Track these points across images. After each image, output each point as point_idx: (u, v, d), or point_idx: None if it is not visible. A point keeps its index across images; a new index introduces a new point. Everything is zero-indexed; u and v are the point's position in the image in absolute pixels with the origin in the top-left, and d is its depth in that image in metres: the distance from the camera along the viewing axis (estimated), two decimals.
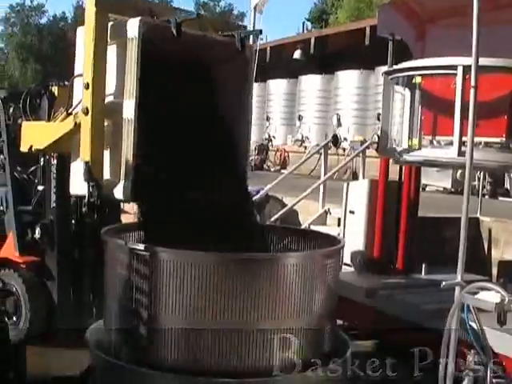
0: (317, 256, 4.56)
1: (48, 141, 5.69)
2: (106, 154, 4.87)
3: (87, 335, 4.63)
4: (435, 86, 6.53)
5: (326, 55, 25.91)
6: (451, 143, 5.96)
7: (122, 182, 4.69)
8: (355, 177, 15.79)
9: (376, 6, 28.10)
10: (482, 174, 11.02)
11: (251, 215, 5.35)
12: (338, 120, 23.80)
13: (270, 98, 27.97)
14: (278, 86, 27.75)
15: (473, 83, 4.61)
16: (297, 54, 26.22)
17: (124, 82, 4.69)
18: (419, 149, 6.49)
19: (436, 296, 5.88)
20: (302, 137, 25.44)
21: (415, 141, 6.57)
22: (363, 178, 11.03)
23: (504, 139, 6.19)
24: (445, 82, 6.19)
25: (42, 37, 57.93)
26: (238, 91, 5.25)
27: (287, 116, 27.50)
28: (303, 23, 48.51)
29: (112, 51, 4.78)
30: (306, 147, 23.45)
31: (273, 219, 10.25)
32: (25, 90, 6.66)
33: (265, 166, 24.76)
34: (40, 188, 7.11)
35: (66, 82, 6.12)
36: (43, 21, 60.42)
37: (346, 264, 7.75)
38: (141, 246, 4.29)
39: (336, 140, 20.30)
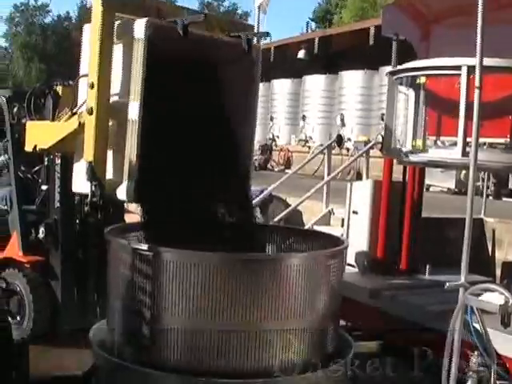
0: (320, 257, 4.55)
1: (52, 140, 5.68)
2: (110, 153, 4.86)
3: (90, 335, 4.63)
4: (439, 87, 6.52)
5: (330, 55, 25.91)
6: (455, 144, 5.95)
7: (125, 183, 4.68)
8: (359, 177, 15.77)
9: (380, 6, 28.08)
10: (486, 174, 11.01)
11: (251, 216, 5.34)
12: (342, 120, 23.79)
13: (274, 98, 27.97)
14: (281, 86, 27.75)
15: (477, 84, 4.60)
16: (301, 54, 26.21)
17: (129, 82, 4.67)
18: (423, 149, 6.48)
19: (440, 297, 5.87)
20: (306, 137, 25.43)
21: (419, 141, 6.56)
22: (367, 178, 11.02)
23: (508, 140, 6.19)
24: (449, 82, 6.19)
25: (47, 36, 58.02)
26: (244, 92, 5.24)
27: (291, 116, 27.50)
28: (307, 23, 48.65)
29: (118, 50, 4.76)
30: (309, 147, 23.45)
31: (276, 219, 10.25)
32: (29, 89, 6.65)
33: (268, 165, 24.77)
34: (44, 187, 7.11)
35: (71, 82, 6.11)
36: (47, 20, 60.64)
37: (349, 264, 7.74)
38: (144, 246, 4.28)
39: (340, 140, 20.30)
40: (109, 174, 4.83)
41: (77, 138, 5.13)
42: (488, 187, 12.18)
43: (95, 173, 4.73)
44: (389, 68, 7.09)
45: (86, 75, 4.92)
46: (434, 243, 7.82)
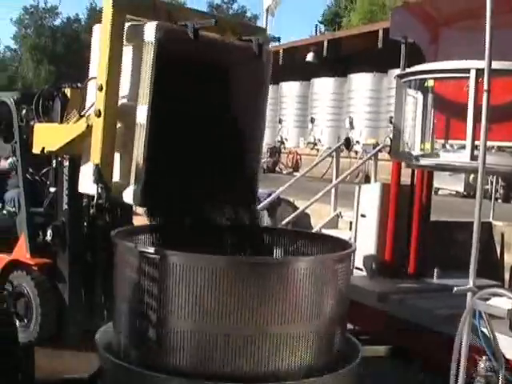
0: (327, 260, 4.53)
1: (60, 143, 5.68)
2: (117, 156, 4.86)
3: (97, 337, 4.62)
4: (448, 90, 6.51)
5: (339, 58, 25.88)
6: (464, 147, 5.93)
7: (132, 186, 4.68)
8: (368, 180, 15.74)
9: (389, 8, 28.03)
10: (494, 178, 10.96)
11: (256, 219, 5.33)
12: (351, 123, 23.76)
13: (283, 101, 27.96)
14: (290, 89, 27.74)
15: (486, 87, 4.58)
16: (310, 57, 26.19)
17: (138, 85, 4.67)
18: (432, 152, 6.46)
19: (448, 301, 5.85)
20: (315, 139, 25.41)
21: (428, 144, 6.55)
22: (375, 181, 11.00)
23: None
24: (457, 85, 6.17)
25: (56, 38, 58.12)
26: (253, 95, 5.23)
27: (300, 118, 27.48)
28: (316, 26, 48.52)
29: (128, 53, 4.76)
30: (318, 150, 23.44)
31: (284, 222, 10.23)
32: (38, 91, 6.65)
33: (277, 168, 24.77)
34: (52, 190, 7.11)
35: (79, 84, 6.11)
36: (57, 22, 60.70)
37: (357, 268, 7.73)
38: (151, 249, 4.27)
39: (348, 143, 20.27)
40: (116, 177, 4.82)
41: (84, 141, 5.13)
42: (497, 190, 12.14)
43: (102, 175, 4.72)
44: (398, 71, 7.08)
45: (94, 78, 4.92)
46: (442, 247, 7.80)
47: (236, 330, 4.05)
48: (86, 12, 59.88)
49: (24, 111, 6.93)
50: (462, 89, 5.91)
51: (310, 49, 26.50)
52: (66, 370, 5.78)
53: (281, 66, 24.44)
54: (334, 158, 11.89)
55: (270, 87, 5.51)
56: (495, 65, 4.70)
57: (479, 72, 5.43)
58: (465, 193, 15.64)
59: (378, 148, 12.77)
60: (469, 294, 4.46)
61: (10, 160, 7.85)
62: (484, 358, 4.57)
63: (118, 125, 4.83)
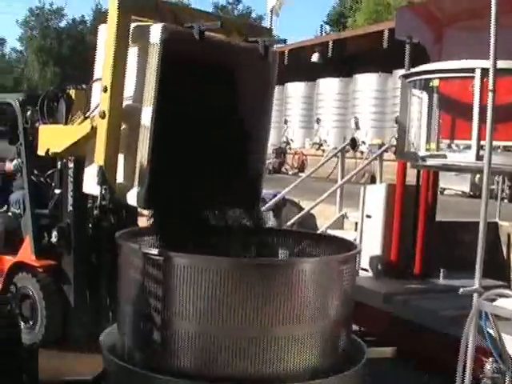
0: (332, 261, 4.51)
1: (65, 144, 5.67)
2: (121, 157, 4.85)
3: (101, 339, 4.61)
4: (453, 89, 6.49)
5: (344, 58, 25.83)
6: (469, 147, 5.91)
7: (135, 188, 4.67)
8: (373, 180, 15.71)
9: (394, 9, 27.97)
10: (500, 178, 10.94)
11: (260, 220, 5.32)
12: (356, 123, 23.71)
13: (288, 101, 27.92)
14: (295, 89, 27.70)
15: (491, 86, 4.55)
16: (315, 57, 26.13)
17: (143, 86, 4.66)
18: (437, 153, 6.44)
19: (454, 302, 5.83)
20: (320, 140, 25.35)
21: (433, 145, 6.52)
22: (380, 181, 10.97)
23: None
24: (462, 85, 6.15)
25: (61, 40, 58.21)
26: (259, 97, 5.21)
27: (305, 119, 27.42)
28: (321, 26, 48.55)
29: (133, 54, 4.75)
30: (323, 150, 23.39)
31: (289, 223, 10.21)
32: (43, 93, 6.64)
33: (283, 169, 24.73)
34: (57, 191, 7.09)
35: (84, 85, 6.10)
36: (62, 24, 60.80)
37: (363, 269, 7.72)
38: (155, 251, 4.26)
39: (354, 143, 20.23)
40: (120, 178, 4.82)
41: (89, 142, 5.12)
42: (503, 190, 12.10)
43: (105, 177, 4.72)
44: (403, 71, 7.06)
45: (99, 79, 4.91)
46: (448, 247, 7.79)
47: (241, 332, 4.04)
48: (92, 14, 60.05)
49: (29, 113, 6.91)
50: (467, 89, 5.89)
51: (315, 49, 26.44)
52: (70, 371, 5.78)
53: (286, 66, 24.41)
54: (340, 159, 11.86)
55: (276, 88, 5.50)
56: (500, 64, 4.68)
57: (484, 72, 5.40)
58: (471, 193, 15.60)
59: (383, 148, 12.73)
60: (475, 295, 4.44)
61: (15, 162, 7.83)
62: (490, 359, 4.55)
63: (123, 126, 4.82)
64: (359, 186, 9.24)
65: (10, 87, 51.84)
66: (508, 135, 6.08)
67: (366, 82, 24.05)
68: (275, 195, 10.93)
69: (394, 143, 9.92)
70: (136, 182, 4.71)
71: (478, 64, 5.64)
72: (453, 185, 15.80)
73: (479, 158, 5.68)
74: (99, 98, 4.86)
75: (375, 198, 8.06)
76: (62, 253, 6.83)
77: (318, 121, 25.96)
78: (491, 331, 4.46)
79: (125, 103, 4.80)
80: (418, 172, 7.59)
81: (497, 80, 4.58)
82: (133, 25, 4.74)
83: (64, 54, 56.94)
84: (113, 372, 4.41)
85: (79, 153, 5.62)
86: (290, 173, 23.67)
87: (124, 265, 4.48)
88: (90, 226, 6.67)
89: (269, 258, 5.02)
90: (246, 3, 65.78)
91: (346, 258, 4.52)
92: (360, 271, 7.69)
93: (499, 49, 4.49)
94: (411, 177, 7.76)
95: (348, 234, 9.03)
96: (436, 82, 6.45)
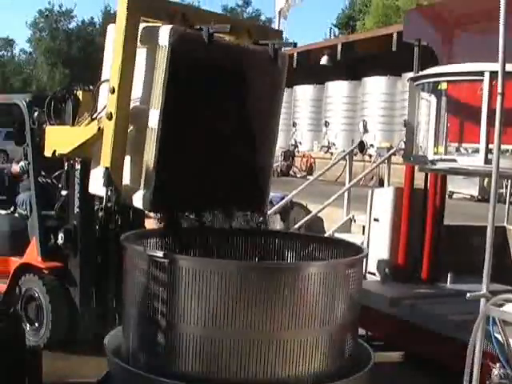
0: (339, 265, 4.49)
1: (72, 146, 5.66)
2: (128, 159, 4.84)
3: (106, 342, 4.59)
4: (461, 93, 6.45)
5: (353, 61, 25.81)
6: (477, 151, 5.87)
7: (141, 191, 4.65)
8: (382, 183, 15.68)
9: (403, 12, 27.92)
10: (509, 181, 10.87)
11: (265, 223, 5.30)
12: (365, 126, 23.69)
13: (297, 104, 27.93)
14: (304, 92, 27.70)
15: (499, 89, 4.51)
16: (324, 60, 26.12)
17: (151, 88, 4.65)
18: (446, 156, 6.40)
19: (462, 306, 5.78)
20: (329, 143, 25.37)
21: (441, 148, 6.48)
22: (388, 185, 10.94)
23: None
24: (471, 88, 6.11)
25: (71, 42, 58.36)
26: (268, 100, 5.20)
27: (314, 122, 27.43)
28: (330, 29, 48.55)
29: (141, 55, 4.73)
30: (332, 153, 23.38)
31: (297, 226, 10.18)
32: (50, 94, 6.63)
33: (291, 172, 24.72)
34: (64, 193, 7.06)
35: (91, 87, 6.09)
36: (72, 26, 60.97)
37: (370, 273, 7.68)
38: (160, 253, 4.24)
39: (362, 146, 20.21)
40: (126, 180, 4.80)
41: (96, 143, 5.11)
42: (511, 194, 12.02)
43: (111, 178, 4.70)
44: (412, 74, 7.02)
45: (107, 80, 4.90)
46: (456, 251, 7.74)
47: (246, 336, 4.02)
48: (101, 15, 60.12)
49: (36, 114, 6.89)
50: (475, 92, 5.85)
51: (323, 52, 26.43)
52: (75, 374, 5.78)
53: (295, 69, 24.41)
54: (348, 162, 11.83)
55: (284, 90, 5.47)
56: (509, 67, 4.63)
57: (493, 74, 5.37)
58: (479, 197, 15.55)
59: (390, 152, 12.70)
60: (482, 300, 4.39)
61: (21, 163, 7.82)
62: (498, 365, 4.50)
63: (130, 128, 4.81)
64: (367, 189, 9.21)
65: (19, 88, 52.02)
66: None
67: (375, 85, 24.05)
68: (283, 198, 10.91)
69: (403, 146, 9.88)
70: (142, 184, 4.70)
71: (487, 67, 5.59)
72: (461, 188, 15.76)
73: (487, 161, 5.64)
74: (106, 100, 4.84)
75: (383, 201, 8.02)
76: (69, 255, 6.80)
77: (326, 124, 25.96)
78: (499, 336, 4.42)
79: (132, 105, 4.79)
80: (426, 175, 7.55)
81: (506, 83, 4.54)
82: (141, 26, 4.73)
83: (73, 55, 57.10)
84: (117, 375, 4.39)
85: (86, 154, 5.60)
86: (299, 176, 23.67)
87: (129, 267, 4.46)
88: (97, 227, 6.66)
89: (275, 262, 5.00)
90: (256, 6, 65.88)
91: (352, 262, 4.49)
92: (367, 275, 7.66)
93: (508, 51, 4.45)
94: (419, 180, 7.73)
95: (355, 237, 8.98)
96: (444, 85, 6.41)
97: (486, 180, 14.20)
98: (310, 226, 10.50)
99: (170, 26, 4.57)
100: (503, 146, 4.93)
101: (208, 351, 4.01)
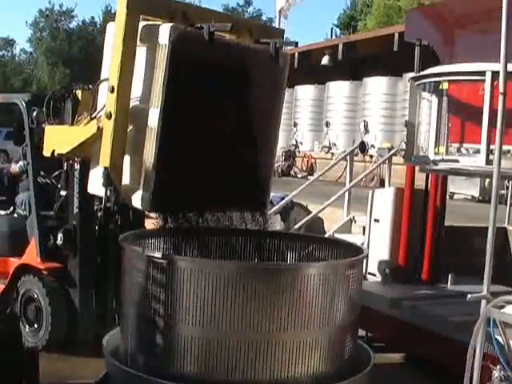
0: (338, 266, 4.46)
1: (71, 145, 5.63)
2: (127, 159, 4.81)
3: (104, 343, 4.56)
4: (463, 93, 6.43)
5: (354, 61, 25.79)
6: (479, 151, 5.85)
7: (140, 191, 4.63)
8: (382, 184, 15.67)
9: (405, 12, 27.89)
10: (510, 182, 10.85)
11: (265, 223, 5.28)
12: (366, 127, 23.68)
13: (298, 104, 27.92)
14: (305, 92, 27.69)
15: (501, 89, 4.49)
16: (325, 60, 26.11)
17: (150, 87, 4.62)
18: (447, 157, 6.38)
19: (462, 307, 5.76)
20: (330, 143, 25.35)
21: (442, 148, 6.46)
22: (389, 185, 10.92)
23: None
24: (473, 88, 6.09)
25: (71, 41, 58.37)
26: (269, 100, 5.17)
27: (315, 122, 27.42)
28: (332, 29, 48.53)
29: (141, 54, 4.70)
30: (333, 154, 23.36)
31: (297, 226, 10.16)
32: (49, 93, 6.60)
33: (292, 172, 24.71)
34: (63, 193, 7.04)
35: (90, 86, 6.06)
36: (72, 25, 60.98)
37: (370, 273, 7.66)
38: (158, 254, 4.21)
39: (363, 147, 20.19)
40: (125, 180, 4.78)
41: (95, 143, 5.08)
42: None
43: (111, 178, 4.67)
44: (413, 74, 7.00)
45: (106, 79, 4.87)
46: (456, 252, 7.72)
47: (245, 337, 3.98)
48: (102, 15, 60.09)
49: (35, 113, 6.86)
50: (477, 91, 5.83)
51: (325, 52, 26.42)
52: (74, 375, 5.75)
53: (296, 69, 24.39)
54: (348, 162, 11.81)
55: (285, 90, 5.44)
56: (511, 67, 4.61)
57: (495, 74, 5.34)
58: (480, 197, 15.53)
59: (391, 152, 12.68)
60: (483, 302, 4.37)
61: (20, 163, 7.79)
62: (498, 367, 4.48)
63: (129, 127, 4.78)
64: (368, 189, 9.19)
65: (20, 88, 52.01)
66: None
67: (376, 86, 24.04)
68: (283, 198, 10.89)
69: (403, 147, 9.86)
70: (142, 184, 4.67)
71: (489, 67, 5.58)
72: (462, 189, 15.74)
73: (489, 162, 5.63)
74: (106, 99, 4.82)
75: (383, 201, 8.01)
76: (68, 255, 6.77)
77: (327, 124, 25.95)
78: (499, 338, 4.39)
79: (132, 104, 4.76)
80: (427, 176, 7.53)
81: (508, 83, 4.51)
82: (141, 24, 4.70)
83: (74, 55, 57.09)
84: (115, 376, 4.36)
85: (85, 154, 5.57)
86: (299, 176, 23.66)
87: (127, 268, 4.43)
88: (97, 228, 6.63)
89: (274, 263, 4.97)
90: (257, 6, 65.94)
91: (352, 263, 4.46)
92: (368, 275, 7.64)
93: (510, 51, 4.43)
94: (420, 181, 7.71)
95: (356, 237, 8.96)
96: (445, 85, 6.39)
97: (487, 181, 14.19)
98: (311, 227, 10.48)
99: (171, 25, 4.54)
100: (505, 147, 4.92)
101: (207, 352, 3.97)
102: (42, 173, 7.56)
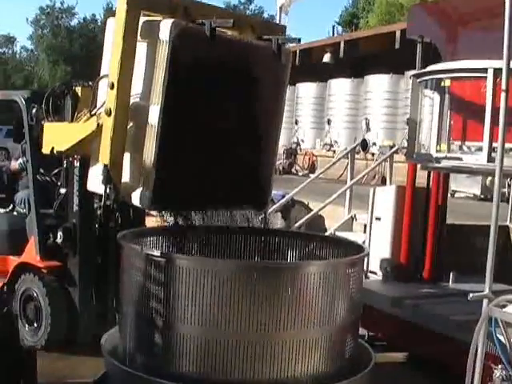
0: (339, 265, 4.42)
1: (70, 142, 5.59)
2: (127, 156, 4.78)
3: (102, 342, 4.54)
4: (465, 90, 6.40)
5: (356, 59, 25.79)
6: (481, 149, 5.82)
7: (140, 189, 4.59)
8: (384, 182, 15.65)
9: (407, 10, 27.86)
10: None
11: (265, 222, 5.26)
12: (367, 124, 23.66)
13: (299, 102, 27.92)
14: (307, 90, 27.69)
15: (503, 87, 4.46)
16: (326, 58, 26.09)
17: (151, 84, 4.58)
18: (450, 154, 6.34)
19: (464, 306, 5.73)
20: (331, 141, 25.34)
21: (444, 146, 6.43)
22: (390, 183, 10.89)
23: None
24: (475, 85, 6.06)
25: (72, 39, 58.38)
26: (270, 97, 5.14)
27: (316, 120, 27.43)
28: (333, 27, 48.50)
29: (141, 50, 4.66)
30: (334, 151, 23.36)
31: (297, 224, 10.13)
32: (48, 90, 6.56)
33: (293, 169, 24.71)
34: (63, 191, 7.00)
35: (90, 82, 6.02)
36: (73, 23, 61.01)
37: (372, 272, 7.64)
38: (157, 252, 4.18)
39: (365, 145, 20.17)
40: (125, 178, 4.74)
41: (95, 140, 5.05)
42: None
43: (110, 176, 4.64)
44: (415, 72, 6.97)
45: (106, 76, 4.83)
46: (458, 250, 7.69)
47: (244, 336, 3.96)
48: (103, 12, 60.10)
49: (34, 110, 6.81)
50: (479, 89, 5.80)
51: (326, 50, 26.40)
52: (73, 374, 5.73)
53: (297, 66, 24.37)
54: (350, 160, 11.78)
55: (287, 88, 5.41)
56: None
57: (497, 71, 5.31)
58: (482, 196, 15.51)
59: (392, 150, 12.65)
60: (485, 301, 4.34)
61: (20, 160, 7.76)
62: (500, 366, 4.45)
63: (129, 124, 4.74)
64: (369, 187, 9.16)
65: (21, 86, 52.05)
66: None
67: (378, 83, 24.03)
68: (284, 196, 10.86)
69: (405, 145, 9.83)
70: (142, 182, 4.64)
71: (491, 64, 5.54)
72: (464, 187, 15.72)
73: (491, 159, 5.59)
74: (106, 95, 4.78)
75: (385, 199, 7.98)
76: (68, 254, 6.73)
77: (328, 121, 25.94)
78: (501, 338, 4.36)
79: (132, 101, 4.72)
80: (429, 174, 7.50)
81: (510, 80, 4.48)
82: (142, 20, 4.65)
83: (75, 52, 57.10)
84: (114, 375, 4.34)
85: (85, 151, 5.53)
86: (301, 174, 23.66)
87: (126, 266, 4.40)
88: (97, 226, 6.59)
89: (274, 261, 4.94)
90: (258, 3, 65.93)
91: (353, 261, 4.44)
92: (369, 274, 7.61)
93: None
94: (422, 179, 7.67)
95: (357, 236, 8.94)
96: (447, 82, 6.35)
97: (489, 179, 14.15)
98: (311, 225, 10.46)
99: (172, 21, 4.49)
100: (507, 145, 4.89)
101: (206, 351, 3.95)
102: (42, 170, 7.52)
